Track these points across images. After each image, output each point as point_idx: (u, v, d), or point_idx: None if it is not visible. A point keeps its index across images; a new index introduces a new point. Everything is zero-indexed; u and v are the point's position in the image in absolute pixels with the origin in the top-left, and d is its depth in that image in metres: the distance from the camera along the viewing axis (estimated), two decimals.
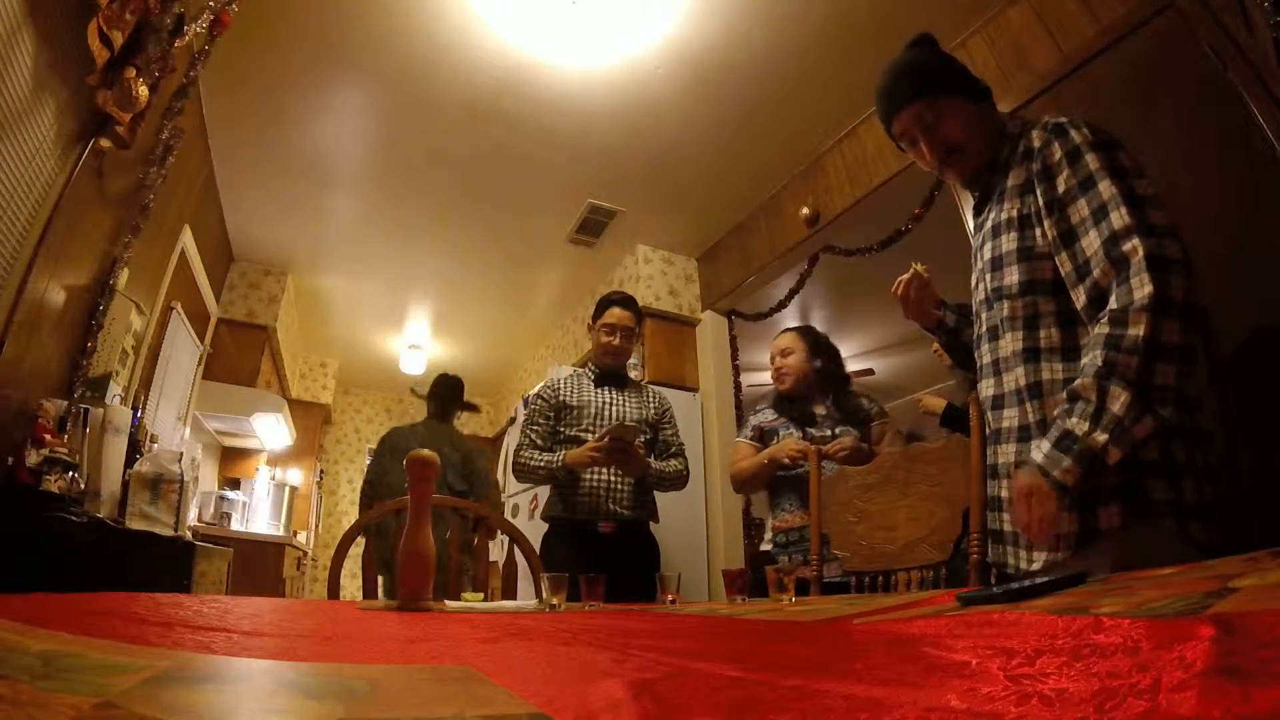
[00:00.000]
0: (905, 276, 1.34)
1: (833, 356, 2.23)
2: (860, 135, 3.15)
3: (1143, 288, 0.90)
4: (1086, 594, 0.55)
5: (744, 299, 4.03)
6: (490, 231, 4.10)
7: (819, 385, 2.17)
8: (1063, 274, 1.03)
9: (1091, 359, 0.94)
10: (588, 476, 2.04)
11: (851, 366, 5.35)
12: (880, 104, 1.25)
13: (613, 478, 2.05)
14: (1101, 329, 0.94)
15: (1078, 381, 0.95)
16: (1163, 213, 0.97)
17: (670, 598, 1.22)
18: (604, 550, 1.95)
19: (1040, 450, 0.97)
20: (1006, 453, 1.13)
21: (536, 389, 2.27)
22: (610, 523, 2.01)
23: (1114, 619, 0.34)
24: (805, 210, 3.37)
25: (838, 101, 3.01)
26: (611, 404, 2.18)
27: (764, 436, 2.17)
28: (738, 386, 3.95)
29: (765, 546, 2.18)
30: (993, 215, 1.16)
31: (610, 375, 2.24)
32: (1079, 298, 1.01)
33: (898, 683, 0.31)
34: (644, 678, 0.36)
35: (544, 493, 2.28)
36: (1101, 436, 0.91)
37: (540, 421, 2.17)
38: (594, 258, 4.33)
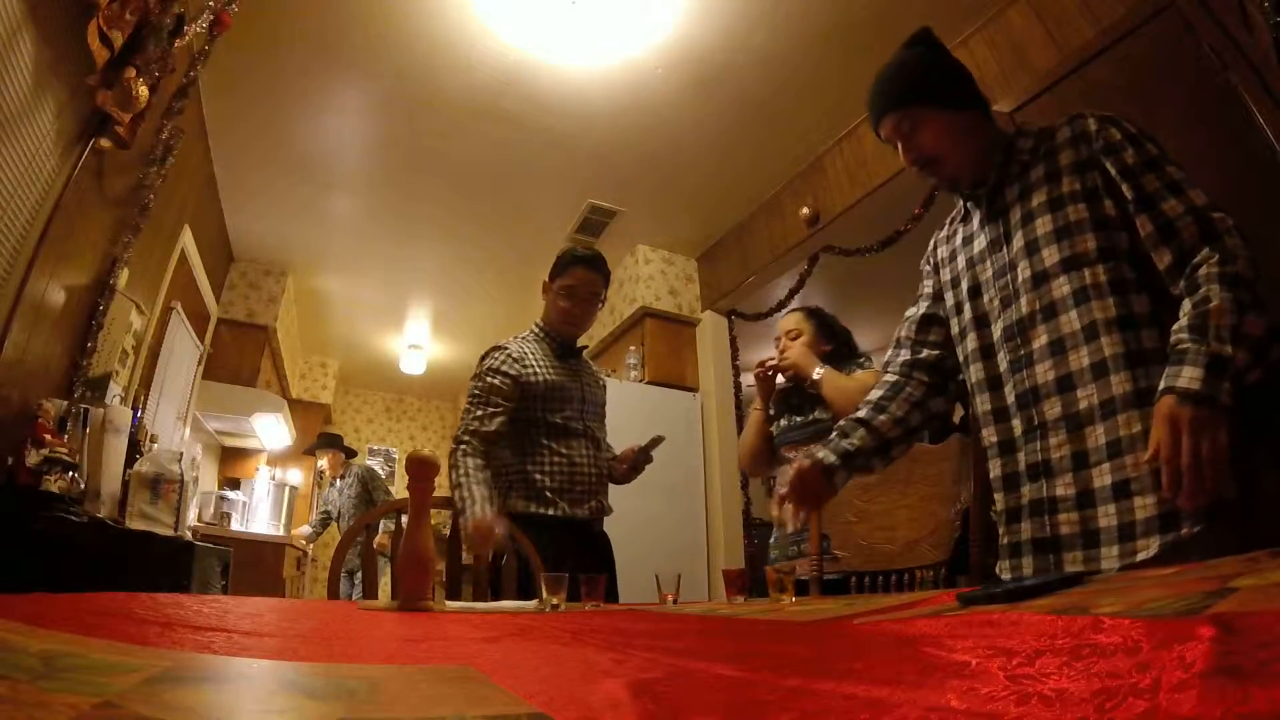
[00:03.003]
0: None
1: (845, 340, 2.03)
2: (860, 135, 3.15)
3: (1240, 250, 0.94)
4: (1086, 594, 0.55)
5: (744, 299, 4.03)
6: (490, 231, 4.10)
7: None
8: (1142, 235, 1.01)
9: (1209, 290, 0.92)
10: (585, 469, 1.81)
11: None
12: (869, 111, 1.28)
13: (601, 470, 1.85)
14: (1211, 269, 0.93)
15: (1210, 306, 0.90)
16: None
17: (670, 598, 1.22)
18: (586, 547, 1.78)
19: (1192, 379, 0.87)
20: (1095, 435, 1.00)
21: (488, 360, 1.82)
22: (597, 518, 1.85)
23: (1114, 619, 0.34)
24: (805, 210, 3.38)
25: (838, 101, 3.01)
26: (585, 387, 1.91)
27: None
28: (738, 386, 3.95)
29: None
30: (1042, 194, 1.11)
31: (570, 348, 1.93)
32: (1163, 258, 0.99)
33: (898, 683, 0.31)
34: (644, 678, 0.36)
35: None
36: (1244, 356, 0.87)
37: (500, 404, 1.74)
38: None
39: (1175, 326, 0.93)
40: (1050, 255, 1.07)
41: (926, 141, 1.18)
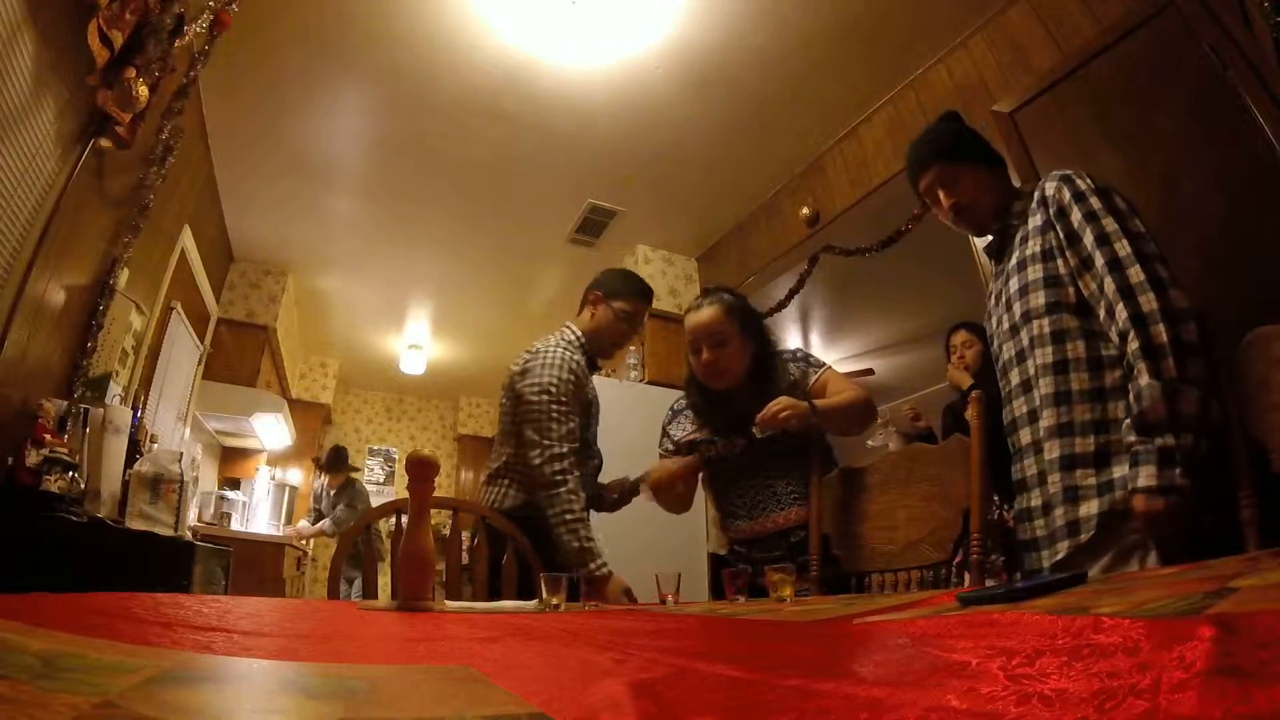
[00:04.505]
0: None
1: (763, 332, 1.68)
2: (860, 135, 3.15)
3: (1150, 304, 1.07)
4: (1086, 594, 0.55)
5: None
6: (490, 231, 4.10)
7: (750, 373, 1.63)
8: (1085, 295, 1.19)
9: (1137, 381, 1.06)
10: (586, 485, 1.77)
11: (851, 366, 5.39)
12: (910, 165, 1.48)
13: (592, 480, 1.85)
14: (1133, 342, 1.07)
15: (1144, 404, 1.04)
16: (1153, 243, 1.14)
17: (670, 598, 1.22)
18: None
19: (1146, 476, 1.02)
20: (1040, 462, 1.22)
21: (563, 362, 1.69)
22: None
23: (1114, 619, 0.34)
24: (805, 210, 3.37)
25: (838, 101, 3.01)
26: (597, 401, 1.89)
27: (690, 452, 1.70)
28: None
29: (720, 550, 1.81)
30: (1016, 255, 1.31)
31: (595, 363, 1.90)
32: (1099, 314, 1.17)
33: (898, 683, 0.31)
34: (644, 678, 0.36)
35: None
36: (1189, 438, 1.01)
37: (577, 411, 1.68)
38: (594, 258, 4.32)
39: (1125, 424, 1.08)
40: (1017, 310, 1.29)
41: (966, 190, 1.39)
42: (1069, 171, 1.26)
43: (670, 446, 1.72)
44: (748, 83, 2.91)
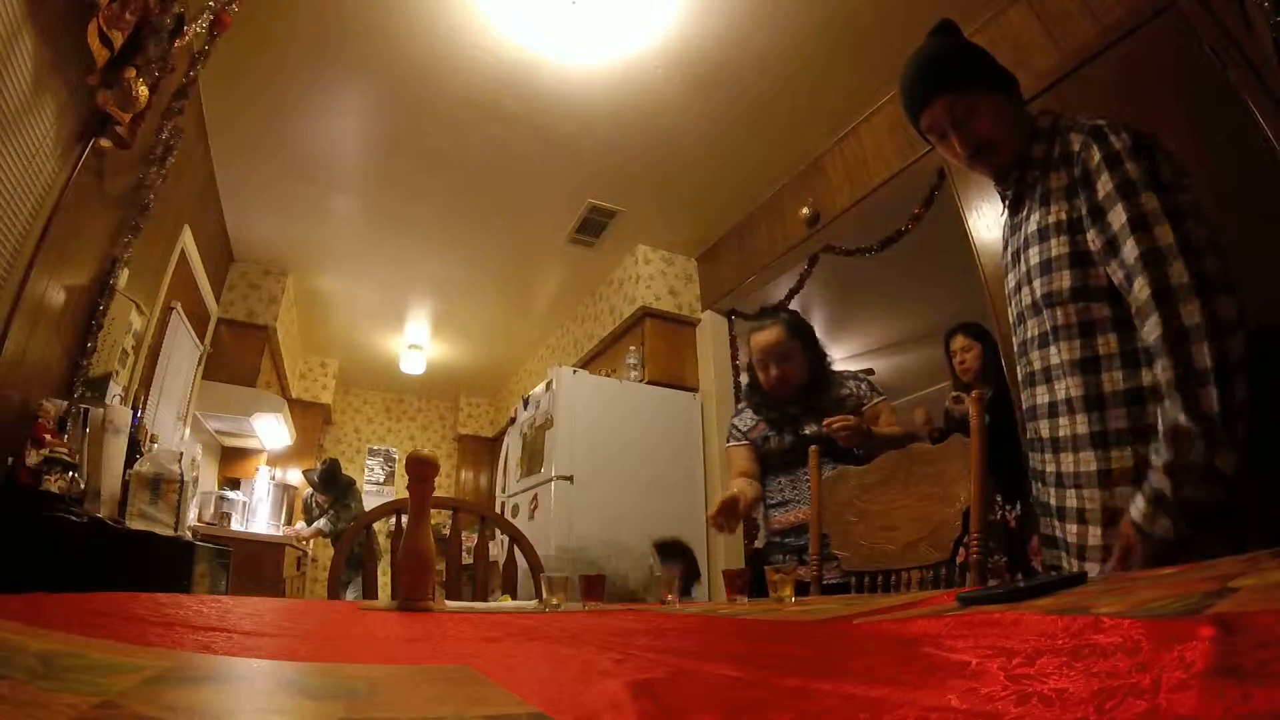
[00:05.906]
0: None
1: (818, 344, 1.92)
2: (860, 135, 3.15)
3: (1194, 315, 0.89)
4: (1086, 594, 0.55)
5: (744, 299, 4.03)
6: (490, 231, 4.11)
7: (808, 381, 1.87)
8: (1114, 281, 1.01)
9: (1167, 405, 0.91)
10: None
11: (851, 366, 5.39)
12: (906, 95, 1.21)
13: None
14: (1167, 372, 0.91)
15: (1162, 429, 0.91)
16: (1203, 226, 0.94)
17: (670, 597, 1.22)
18: None
19: (1137, 508, 0.94)
20: (1068, 461, 1.09)
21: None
22: None
23: (1114, 619, 0.34)
24: (805, 210, 3.37)
25: (838, 101, 3.01)
26: None
27: (755, 443, 1.93)
28: (737, 386, 3.95)
29: (759, 544, 2.00)
30: (1036, 218, 1.12)
31: None
32: (1131, 306, 0.99)
33: (898, 683, 0.31)
34: (644, 678, 0.36)
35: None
36: (1194, 492, 0.89)
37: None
38: (594, 258, 4.33)
39: (1152, 446, 0.94)
40: (1038, 288, 1.11)
41: (984, 126, 1.14)
42: (1101, 122, 1.04)
43: (740, 438, 1.93)
44: (748, 82, 2.91)
